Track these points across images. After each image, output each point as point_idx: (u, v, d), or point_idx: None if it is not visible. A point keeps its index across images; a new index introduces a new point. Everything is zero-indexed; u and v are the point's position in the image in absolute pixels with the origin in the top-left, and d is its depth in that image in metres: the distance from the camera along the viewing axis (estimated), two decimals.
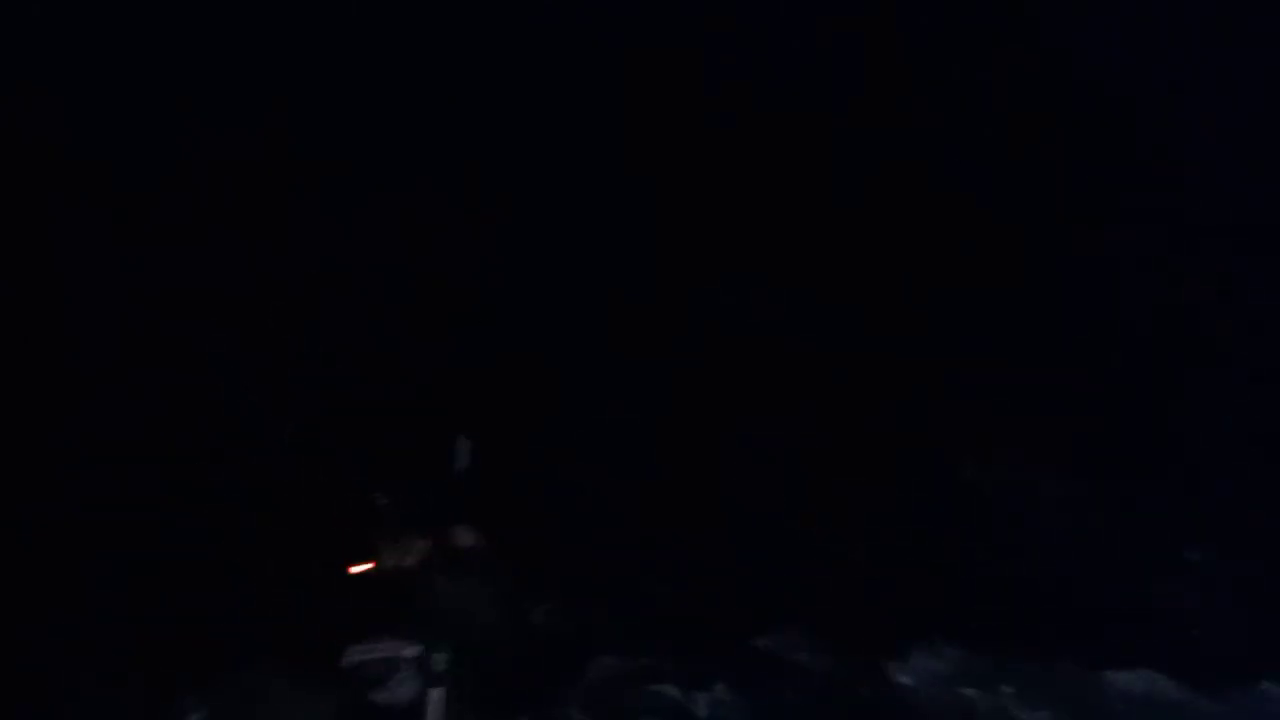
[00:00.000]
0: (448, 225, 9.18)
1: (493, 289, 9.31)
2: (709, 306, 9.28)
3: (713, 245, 9.39)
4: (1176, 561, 8.44)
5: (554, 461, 8.34)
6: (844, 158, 9.75)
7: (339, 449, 7.78)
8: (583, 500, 8.21)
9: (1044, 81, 10.05)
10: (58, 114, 8.50)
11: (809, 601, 7.85)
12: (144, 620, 6.87)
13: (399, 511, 6.81)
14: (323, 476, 7.44)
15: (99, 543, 6.87)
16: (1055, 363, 9.27)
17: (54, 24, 8.62)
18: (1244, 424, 8.95)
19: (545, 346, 8.96)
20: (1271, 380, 9.15)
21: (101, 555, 6.86)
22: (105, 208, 8.50)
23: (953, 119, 9.97)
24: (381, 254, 9.08)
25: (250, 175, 8.85)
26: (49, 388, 7.68)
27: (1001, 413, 9.03)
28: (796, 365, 9.14)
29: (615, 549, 7.89)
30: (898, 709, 7.52)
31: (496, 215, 9.39)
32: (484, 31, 9.74)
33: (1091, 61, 9.97)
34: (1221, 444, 8.84)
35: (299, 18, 9.20)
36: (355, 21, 9.46)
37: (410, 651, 6.33)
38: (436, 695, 6.20)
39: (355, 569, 6.20)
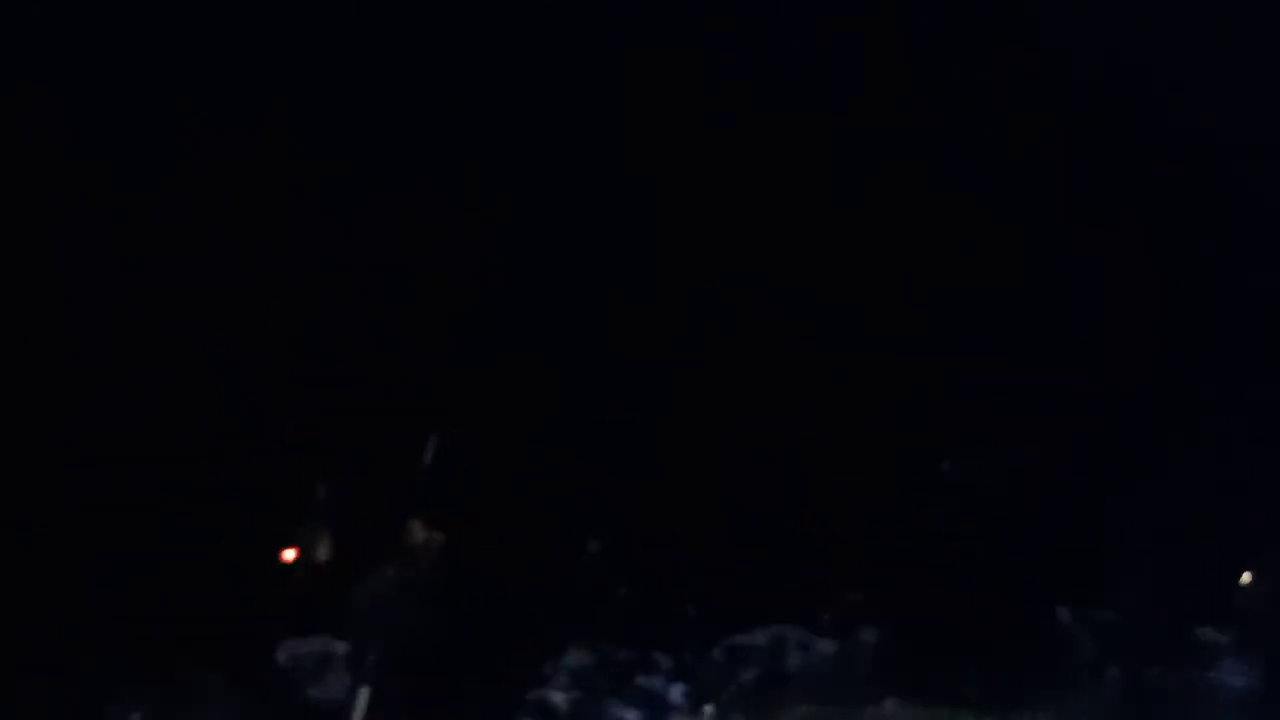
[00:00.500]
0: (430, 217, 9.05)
1: (476, 285, 9.15)
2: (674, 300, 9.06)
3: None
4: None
5: (523, 457, 8.14)
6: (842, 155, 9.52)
7: (293, 442, 7.58)
8: (552, 497, 7.99)
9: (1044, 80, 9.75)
10: (57, 114, 8.47)
11: (787, 595, 7.71)
12: (77, 620, 6.71)
13: (346, 504, 6.64)
14: (272, 469, 7.24)
15: (23, 542, 6.70)
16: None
17: (54, 23, 8.63)
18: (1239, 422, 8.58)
19: (517, 342, 8.76)
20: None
21: (27, 555, 6.69)
22: (104, 207, 8.43)
23: (952, 117, 9.68)
24: (365, 248, 8.94)
25: (247, 174, 8.75)
26: None
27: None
28: (775, 360, 8.91)
29: (581, 546, 7.67)
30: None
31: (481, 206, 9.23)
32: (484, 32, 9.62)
33: (1091, 60, 9.64)
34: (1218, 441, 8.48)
35: (299, 18, 9.12)
36: (353, 22, 9.37)
37: (343, 648, 6.15)
38: (367, 692, 6.01)
39: (286, 557, 6.01)
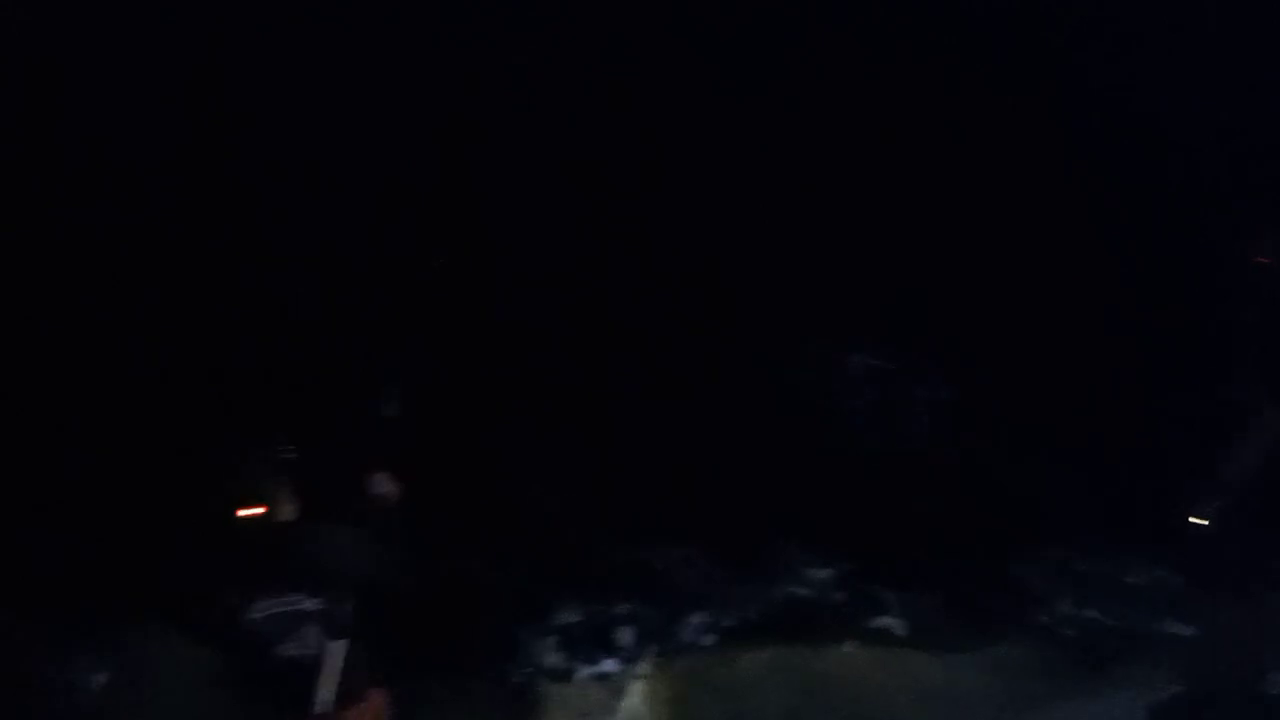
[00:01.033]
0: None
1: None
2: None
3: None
4: None
5: (492, 414, 8.07)
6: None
7: (263, 392, 7.43)
8: (520, 455, 7.95)
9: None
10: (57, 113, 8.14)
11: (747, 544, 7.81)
12: (38, 581, 6.58)
13: (308, 458, 6.53)
14: (231, 422, 7.11)
15: None
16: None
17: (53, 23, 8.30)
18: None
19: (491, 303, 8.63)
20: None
21: None
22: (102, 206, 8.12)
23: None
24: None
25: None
26: None
27: None
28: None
29: (547, 502, 7.66)
30: None
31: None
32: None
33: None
34: None
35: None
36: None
37: (312, 604, 6.08)
38: (337, 649, 5.97)
39: (246, 513, 5.91)
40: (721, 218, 8.78)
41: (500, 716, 6.35)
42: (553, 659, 7.07)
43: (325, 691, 6.01)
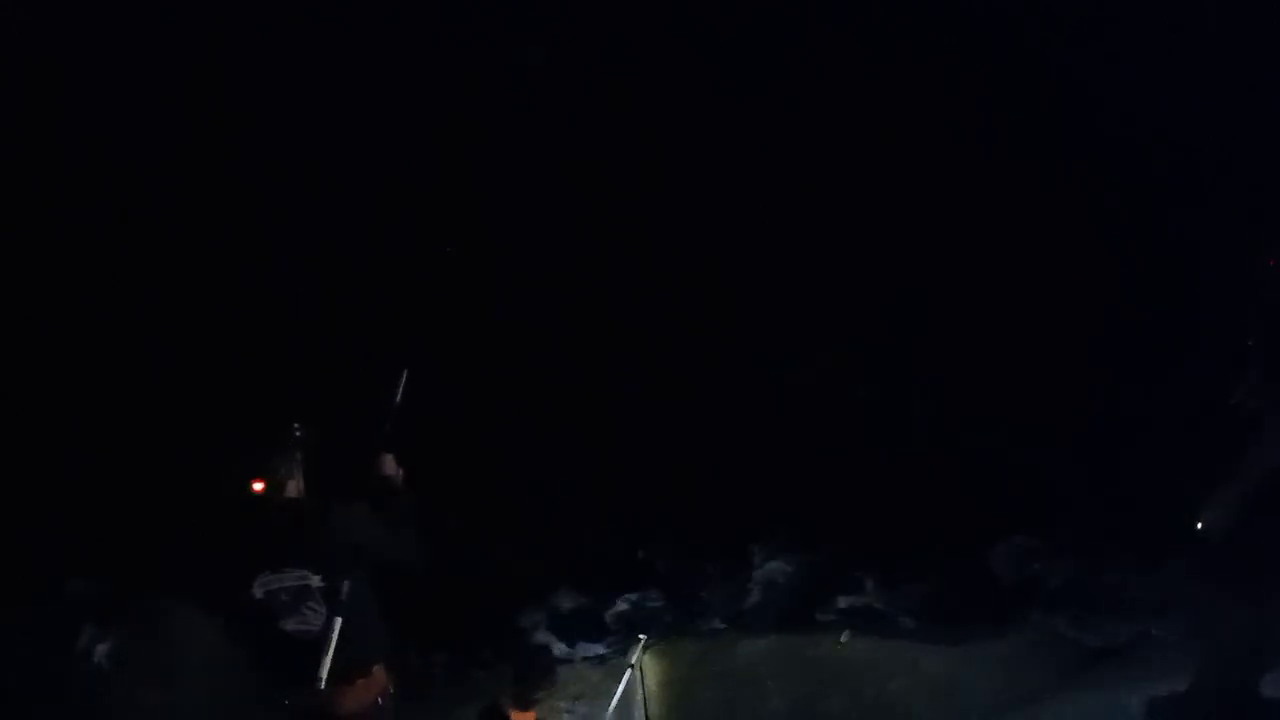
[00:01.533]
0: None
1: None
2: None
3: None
4: None
5: (498, 399, 8.14)
6: None
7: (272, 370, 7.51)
8: (524, 439, 8.01)
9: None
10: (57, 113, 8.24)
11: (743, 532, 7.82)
12: (46, 552, 6.66)
13: (316, 436, 6.57)
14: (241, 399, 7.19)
15: None
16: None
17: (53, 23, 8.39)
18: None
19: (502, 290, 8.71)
20: None
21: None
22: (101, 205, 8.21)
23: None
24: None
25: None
26: None
27: None
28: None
29: (548, 485, 7.71)
30: None
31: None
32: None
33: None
34: None
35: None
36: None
37: (317, 581, 6.11)
38: (342, 625, 6.00)
39: (255, 487, 5.94)
40: (721, 218, 8.86)
41: (498, 695, 6.39)
42: (550, 641, 7.14)
43: (328, 666, 6.05)
